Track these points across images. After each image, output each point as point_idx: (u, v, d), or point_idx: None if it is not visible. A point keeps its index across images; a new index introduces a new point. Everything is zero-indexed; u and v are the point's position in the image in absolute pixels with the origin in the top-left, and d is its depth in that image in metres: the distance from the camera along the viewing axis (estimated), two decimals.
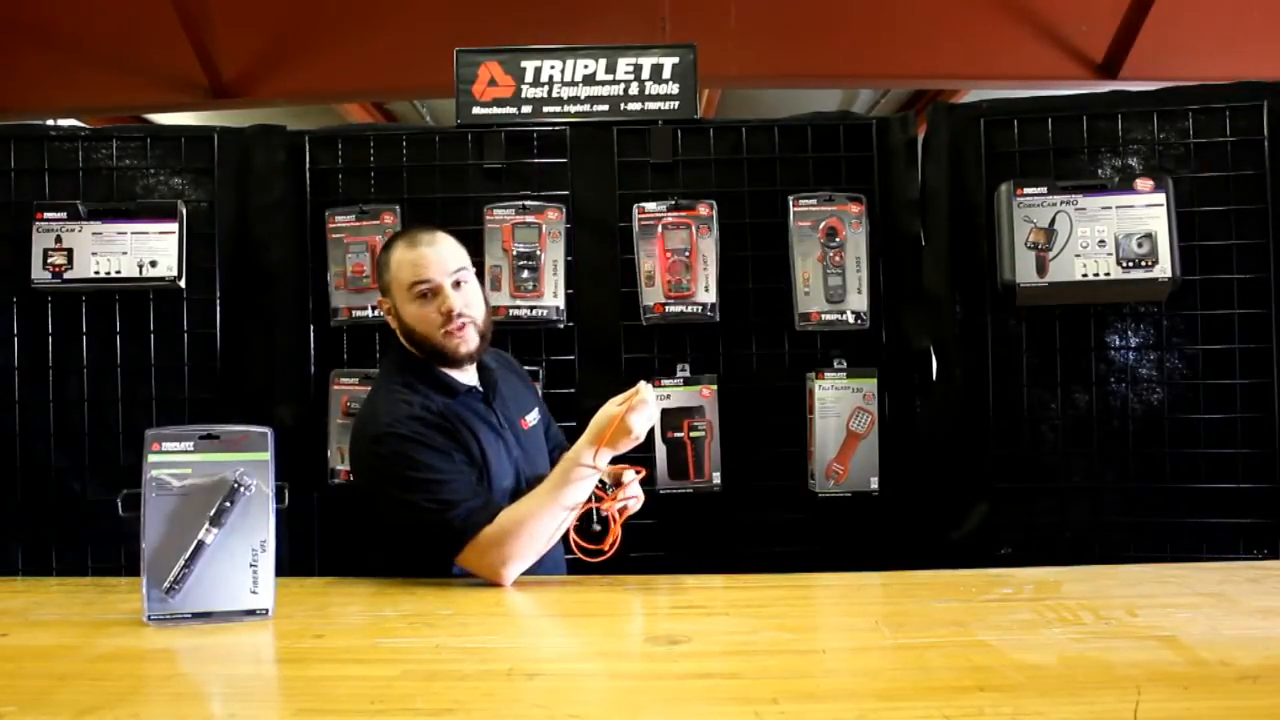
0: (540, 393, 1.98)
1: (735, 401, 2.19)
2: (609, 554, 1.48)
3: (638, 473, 1.60)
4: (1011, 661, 1.04)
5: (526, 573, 1.46)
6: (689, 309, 2.15)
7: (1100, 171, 2.14)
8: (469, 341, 1.57)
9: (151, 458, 1.27)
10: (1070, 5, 4.07)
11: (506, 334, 2.16)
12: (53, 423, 2.14)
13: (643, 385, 1.46)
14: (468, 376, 1.64)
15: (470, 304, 1.57)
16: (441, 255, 1.56)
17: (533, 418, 1.71)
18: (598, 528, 1.51)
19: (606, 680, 1.05)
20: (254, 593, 1.27)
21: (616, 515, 1.51)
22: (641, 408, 1.44)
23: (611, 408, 1.46)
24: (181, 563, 1.24)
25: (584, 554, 1.48)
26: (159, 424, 1.40)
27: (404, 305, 1.57)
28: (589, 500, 1.50)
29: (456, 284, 1.56)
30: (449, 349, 1.56)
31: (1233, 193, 2.08)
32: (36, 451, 2.14)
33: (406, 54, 4.00)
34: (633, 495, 1.61)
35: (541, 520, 1.45)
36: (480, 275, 1.73)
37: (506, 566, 1.43)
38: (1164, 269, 2.01)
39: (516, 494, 1.54)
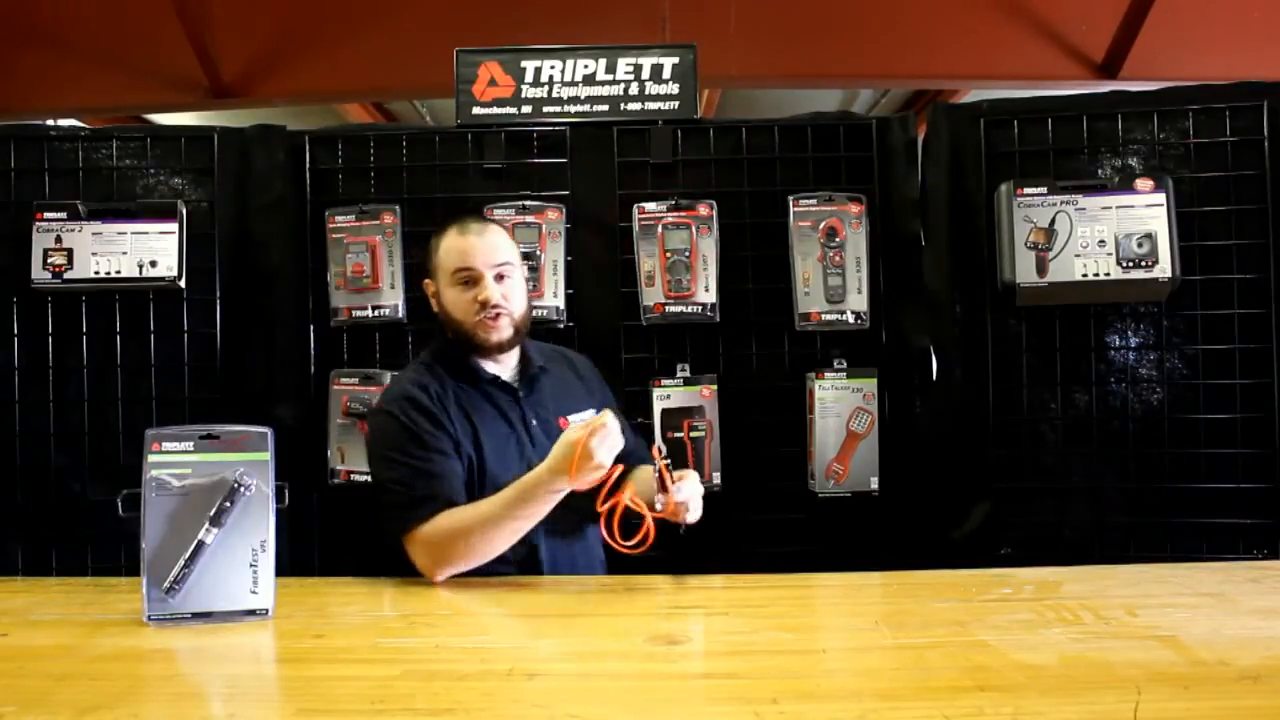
0: (614, 397, 1.88)
1: (735, 401, 2.19)
2: (642, 550, 1.44)
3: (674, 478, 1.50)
4: (1011, 661, 1.04)
5: (566, 569, 1.49)
6: (689, 309, 2.15)
7: (1100, 171, 2.14)
8: (501, 331, 1.62)
9: (151, 458, 1.27)
10: (1070, 5, 4.06)
11: None
12: (53, 423, 2.14)
13: (607, 413, 1.44)
14: (500, 368, 1.66)
15: (509, 297, 1.63)
16: (487, 246, 1.62)
17: (579, 418, 1.66)
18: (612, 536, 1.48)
19: (606, 680, 1.05)
20: (254, 593, 1.27)
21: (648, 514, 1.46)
22: (604, 434, 1.40)
23: (575, 433, 1.42)
24: (181, 563, 1.25)
25: (619, 545, 1.45)
26: (159, 424, 1.40)
27: (445, 290, 1.64)
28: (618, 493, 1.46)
29: (499, 277, 1.62)
30: (479, 337, 1.61)
31: (1233, 193, 2.08)
32: (36, 451, 2.14)
33: (406, 54, 3.99)
34: (683, 499, 1.49)
35: (487, 532, 1.45)
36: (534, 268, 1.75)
37: (439, 568, 1.46)
38: (1164, 269, 2.01)
39: None
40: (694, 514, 1.51)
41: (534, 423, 1.64)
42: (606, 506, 1.44)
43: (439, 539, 1.46)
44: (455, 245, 1.63)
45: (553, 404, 1.68)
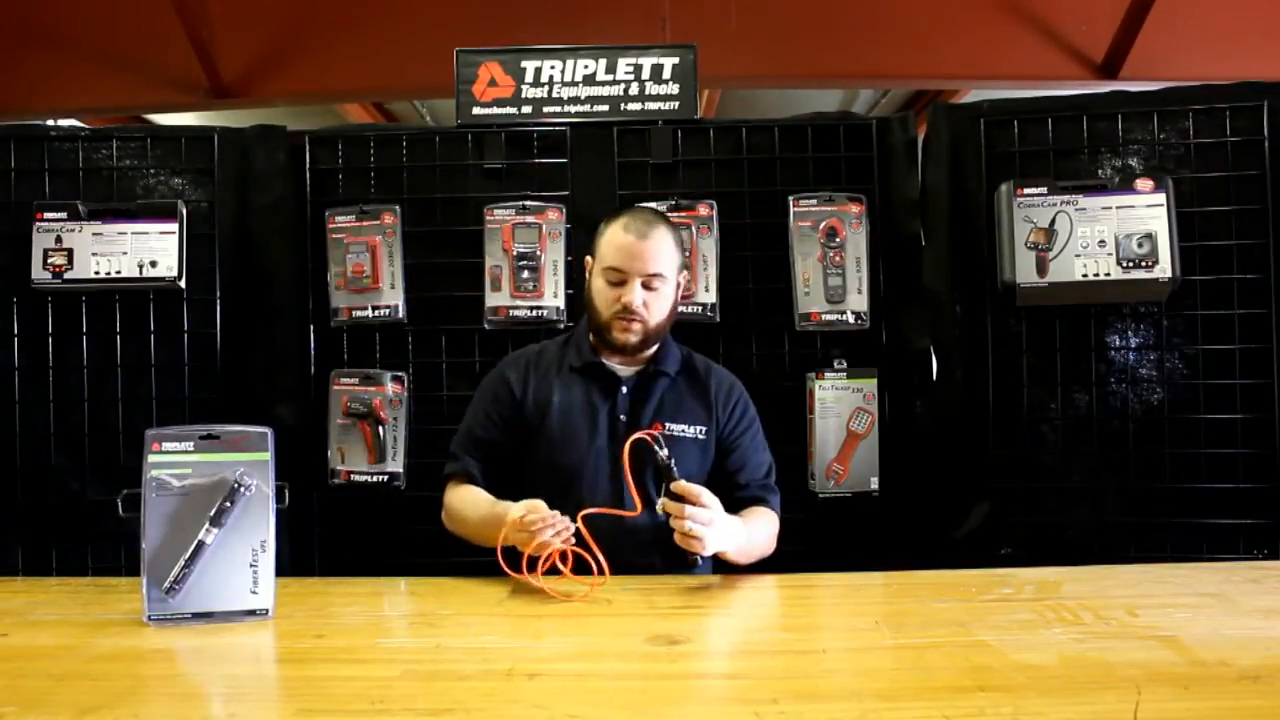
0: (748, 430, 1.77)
1: None
2: (591, 584, 1.40)
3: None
4: (1011, 661, 1.04)
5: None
6: (689, 309, 2.15)
7: (1100, 171, 2.14)
8: (630, 336, 1.65)
9: (151, 458, 1.27)
10: (1070, 5, 4.07)
11: (507, 334, 2.16)
12: (53, 423, 2.14)
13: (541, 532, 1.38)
14: (617, 361, 1.70)
15: (650, 306, 1.64)
16: (645, 253, 1.62)
17: (676, 428, 1.65)
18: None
19: (606, 680, 1.05)
20: (254, 593, 1.27)
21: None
22: (520, 531, 1.39)
23: (518, 509, 1.42)
24: (182, 563, 1.25)
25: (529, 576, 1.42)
26: (159, 424, 1.40)
27: (595, 277, 1.69)
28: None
29: (647, 285, 1.64)
30: (608, 334, 1.66)
31: (1233, 193, 2.08)
32: (36, 451, 2.14)
33: (406, 54, 4.00)
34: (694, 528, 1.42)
35: (465, 529, 1.62)
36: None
37: (444, 521, 1.68)
38: (1164, 269, 2.01)
39: (582, 474, 1.63)
40: (709, 548, 1.43)
41: (622, 417, 1.66)
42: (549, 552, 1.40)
43: (448, 502, 1.68)
44: (616, 241, 1.64)
45: (654, 408, 1.68)
